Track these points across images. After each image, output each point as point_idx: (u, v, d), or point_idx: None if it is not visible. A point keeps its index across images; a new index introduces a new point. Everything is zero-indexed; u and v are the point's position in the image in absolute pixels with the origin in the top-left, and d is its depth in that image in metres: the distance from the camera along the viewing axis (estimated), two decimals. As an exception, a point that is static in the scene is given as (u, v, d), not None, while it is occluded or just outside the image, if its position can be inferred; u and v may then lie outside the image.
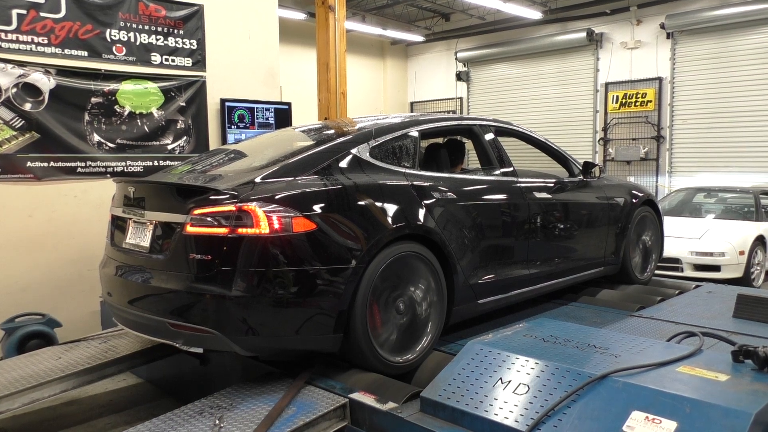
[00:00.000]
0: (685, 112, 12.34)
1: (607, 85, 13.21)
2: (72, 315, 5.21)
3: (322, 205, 3.14)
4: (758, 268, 8.13)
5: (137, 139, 5.76)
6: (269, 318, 3.03)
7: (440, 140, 4.76)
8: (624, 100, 12.94)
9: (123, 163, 5.67)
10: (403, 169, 3.66)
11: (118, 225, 3.69)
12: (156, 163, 5.85)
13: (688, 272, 7.75)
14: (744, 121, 11.60)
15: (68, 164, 5.39)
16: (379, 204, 3.36)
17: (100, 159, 5.55)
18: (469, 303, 3.85)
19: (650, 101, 12.58)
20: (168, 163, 5.86)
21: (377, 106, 16.29)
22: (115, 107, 5.60)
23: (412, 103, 17.02)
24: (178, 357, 3.96)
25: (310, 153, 3.46)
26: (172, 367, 4.23)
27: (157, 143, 5.89)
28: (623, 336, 3.23)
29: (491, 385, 2.77)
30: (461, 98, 15.93)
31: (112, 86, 5.57)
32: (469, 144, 4.69)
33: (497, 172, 4.27)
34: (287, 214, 3.02)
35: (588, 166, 4.99)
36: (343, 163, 3.43)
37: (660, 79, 12.50)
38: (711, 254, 7.74)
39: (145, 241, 3.34)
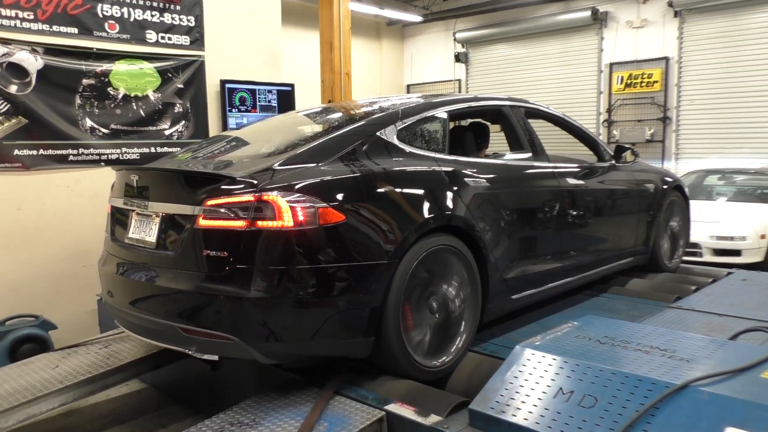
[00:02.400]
0: (693, 92, 12.02)
1: (611, 65, 12.84)
2: (67, 315, 4.85)
3: (351, 194, 2.81)
4: (779, 252, 7.88)
5: (132, 123, 5.36)
6: (293, 322, 2.71)
7: (460, 123, 4.43)
8: (629, 81, 12.59)
9: (118, 150, 5.27)
10: (433, 154, 3.33)
11: (118, 218, 3.33)
12: (153, 149, 5.46)
13: (708, 257, 7.49)
14: (754, 102, 11.29)
15: (59, 152, 4.99)
16: (411, 192, 3.03)
17: (94, 146, 5.15)
18: (503, 299, 3.55)
19: (656, 82, 12.24)
20: (166, 149, 5.47)
21: (373, 89, 15.87)
22: (109, 89, 5.19)
23: (408, 86, 16.59)
24: (186, 361, 3.62)
25: (331, 137, 3.11)
26: (180, 372, 3.89)
27: (154, 128, 5.49)
28: (687, 336, 2.93)
29: (550, 396, 2.45)
30: (459, 80, 15.53)
31: (105, 66, 5.15)
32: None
33: (530, 156, 3.94)
34: (312, 205, 2.68)
35: (620, 150, 4.68)
36: (369, 148, 3.09)
37: (667, 59, 12.15)
38: (732, 238, 7.47)
39: (151, 236, 2.99)
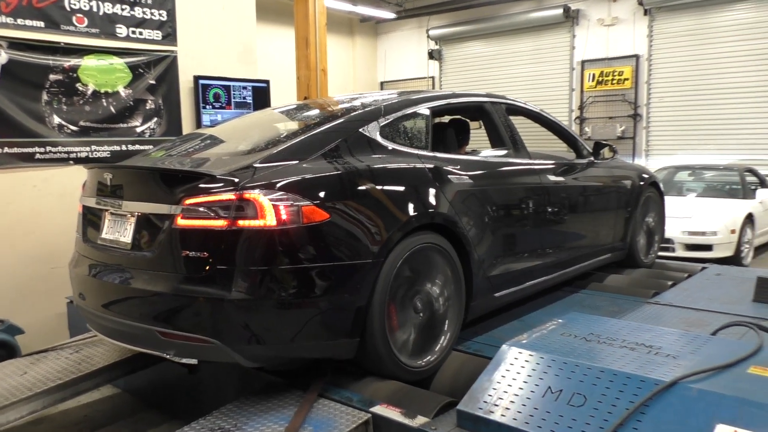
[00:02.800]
0: (662, 89, 12.22)
1: (583, 62, 12.99)
2: (35, 319, 4.68)
3: (335, 192, 2.75)
4: (747, 246, 8.05)
5: (102, 120, 5.19)
6: (276, 323, 2.64)
7: (442, 120, 4.39)
8: (600, 78, 12.75)
9: (87, 148, 5.10)
10: (416, 151, 3.28)
11: (90, 218, 3.22)
12: (124, 147, 5.31)
13: (680, 252, 7.60)
14: (721, 99, 11.53)
15: (25, 150, 4.80)
16: (396, 190, 2.98)
17: (62, 144, 4.97)
18: (486, 297, 3.53)
19: (627, 79, 12.41)
20: (138, 147, 5.32)
21: (347, 86, 15.78)
22: (77, 85, 5.02)
23: (382, 83, 16.56)
24: (162, 365, 3.52)
25: (313, 133, 3.04)
26: (155, 376, 3.77)
27: (125, 125, 5.33)
28: (671, 332, 2.94)
29: (539, 395, 2.42)
30: (433, 77, 15.54)
31: (73, 61, 4.98)
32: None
33: (511, 153, 3.92)
34: (296, 203, 2.61)
35: (598, 147, 4.69)
36: (352, 145, 3.03)
37: (637, 57, 12.32)
38: (704, 233, 7.60)
39: (126, 237, 2.89)
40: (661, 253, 7.27)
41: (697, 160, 11.17)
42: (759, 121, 11.15)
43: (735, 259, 7.65)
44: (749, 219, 8.03)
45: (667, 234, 7.59)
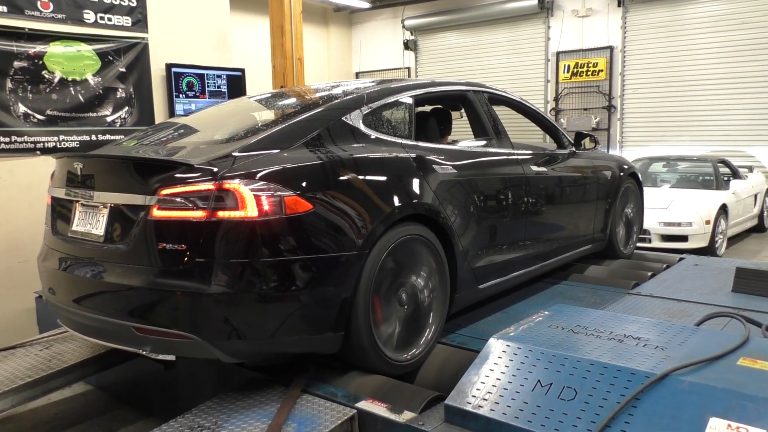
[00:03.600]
0: (636, 81, 12.31)
1: (558, 54, 13.03)
2: (1, 315, 4.50)
3: (318, 181, 2.66)
4: (721, 236, 8.15)
5: (71, 109, 5.01)
6: (258, 318, 2.55)
7: (424, 109, 4.31)
8: (575, 70, 12.80)
9: (55, 138, 4.92)
10: (400, 140, 3.21)
11: (59, 210, 3.08)
12: (94, 137, 5.13)
13: (656, 243, 7.66)
14: (694, 91, 11.67)
15: (-11, 140, 4.62)
16: (381, 180, 2.90)
17: (28, 133, 4.78)
18: (470, 288, 3.48)
19: (601, 70, 12.49)
20: (108, 137, 5.15)
21: (322, 76, 15.60)
22: (43, 73, 4.83)
23: (357, 73, 16.42)
24: (136, 361, 3.40)
25: (294, 121, 2.94)
26: (128, 372, 3.65)
27: (94, 114, 5.15)
28: (657, 323, 2.91)
29: (529, 389, 2.38)
30: (409, 68, 15.46)
31: (39, 48, 4.78)
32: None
33: (494, 143, 3.87)
34: (278, 193, 2.52)
35: (580, 137, 4.67)
36: (335, 133, 2.94)
37: (611, 48, 12.40)
38: (679, 224, 7.67)
39: (98, 229, 2.77)
40: (637, 244, 7.36)
41: (671, 151, 11.29)
42: (731, 112, 11.32)
43: (709, 250, 7.73)
44: (723, 210, 8.13)
45: (644, 225, 7.66)
